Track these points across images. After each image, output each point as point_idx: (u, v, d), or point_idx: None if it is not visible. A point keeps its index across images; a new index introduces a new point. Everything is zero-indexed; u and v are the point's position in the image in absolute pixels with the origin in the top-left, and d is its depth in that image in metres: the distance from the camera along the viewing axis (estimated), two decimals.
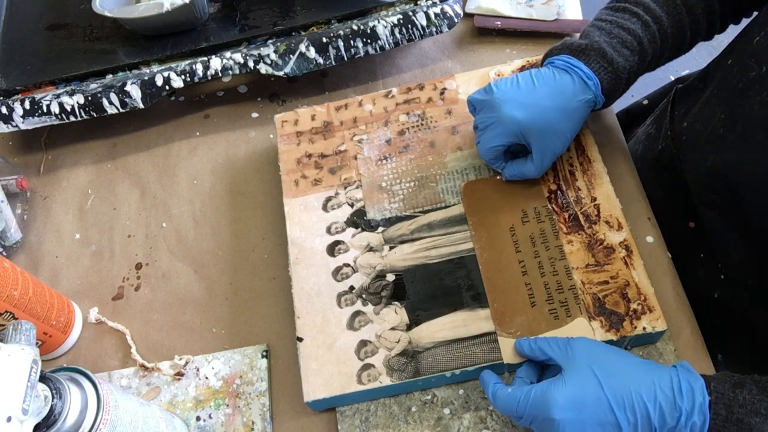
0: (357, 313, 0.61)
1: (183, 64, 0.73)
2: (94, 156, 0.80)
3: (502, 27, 0.79)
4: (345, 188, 0.67)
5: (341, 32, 0.72)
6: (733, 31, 0.65)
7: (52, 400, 0.44)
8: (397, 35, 0.73)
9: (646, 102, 0.85)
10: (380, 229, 0.65)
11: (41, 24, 0.81)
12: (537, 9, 0.78)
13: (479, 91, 0.63)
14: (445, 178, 0.66)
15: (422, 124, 0.70)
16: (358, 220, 0.65)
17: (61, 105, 0.73)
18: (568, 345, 0.53)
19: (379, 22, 0.72)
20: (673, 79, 0.83)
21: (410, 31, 0.73)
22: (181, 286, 0.70)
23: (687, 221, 0.66)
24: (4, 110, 0.73)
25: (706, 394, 0.47)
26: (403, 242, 0.64)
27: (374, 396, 0.59)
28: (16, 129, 0.74)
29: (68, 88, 0.74)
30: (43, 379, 0.45)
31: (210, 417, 0.62)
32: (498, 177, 0.65)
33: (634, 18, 0.61)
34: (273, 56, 0.73)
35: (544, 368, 0.56)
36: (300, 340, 0.60)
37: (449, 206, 0.65)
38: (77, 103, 0.73)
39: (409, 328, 0.59)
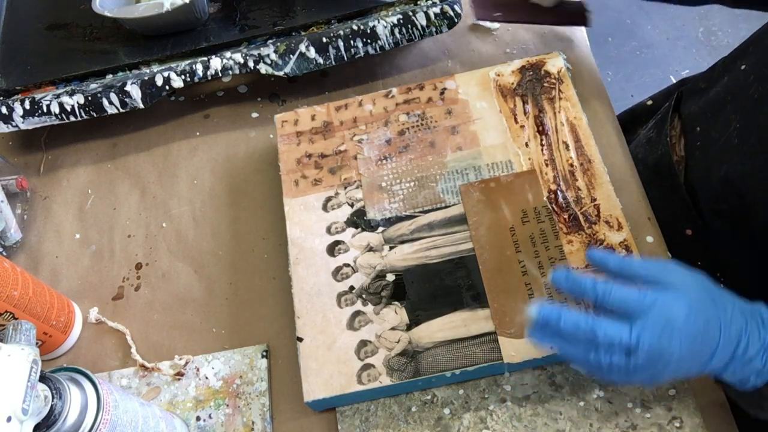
0: (357, 313, 0.61)
1: (183, 64, 0.73)
2: (94, 156, 0.80)
3: (502, 19, 0.77)
4: (345, 188, 0.67)
5: (341, 32, 0.72)
6: (734, 32, 0.64)
7: (52, 400, 0.44)
8: (397, 35, 0.73)
9: (650, 102, 0.83)
10: (380, 229, 0.65)
11: (41, 24, 0.81)
12: None
13: None
14: (445, 178, 0.66)
15: (422, 124, 0.70)
16: (358, 220, 0.65)
17: (61, 105, 0.73)
18: (666, 267, 0.47)
19: (379, 22, 0.72)
20: (673, 80, 0.83)
21: (410, 31, 0.73)
22: (181, 286, 0.70)
23: (684, 228, 0.64)
24: (4, 110, 0.73)
25: None
26: (403, 242, 0.64)
27: (374, 396, 0.59)
28: (16, 129, 0.74)
29: (68, 88, 0.74)
30: (43, 379, 0.45)
31: (210, 417, 0.62)
32: (496, 177, 0.65)
33: None
34: (273, 56, 0.73)
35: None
36: (300, 340, 0.60)
37: (449, 206, 0.65)
38: (77, 103, 0.73)
39: (409, 328, 0.59)
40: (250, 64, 0.73)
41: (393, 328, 0.60)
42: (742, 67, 0.59)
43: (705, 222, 0.64)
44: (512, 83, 0.70)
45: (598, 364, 0.45)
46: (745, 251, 0.60)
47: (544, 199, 0.63)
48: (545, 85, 0.70)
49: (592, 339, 0.45)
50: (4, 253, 0.73)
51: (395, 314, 0.60)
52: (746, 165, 0.56)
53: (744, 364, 0.46)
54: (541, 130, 0.67)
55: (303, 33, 0.74)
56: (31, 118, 0.73)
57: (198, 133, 0.79)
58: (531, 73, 0.71)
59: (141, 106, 0.73)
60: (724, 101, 0.61)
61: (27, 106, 0.73)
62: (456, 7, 0.74)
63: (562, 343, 0.47)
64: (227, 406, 0.62)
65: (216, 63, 0.73)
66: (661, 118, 0.73)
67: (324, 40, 0.72)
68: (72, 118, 0.74)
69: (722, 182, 0.59)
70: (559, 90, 0.69)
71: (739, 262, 0.61)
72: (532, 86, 0.70)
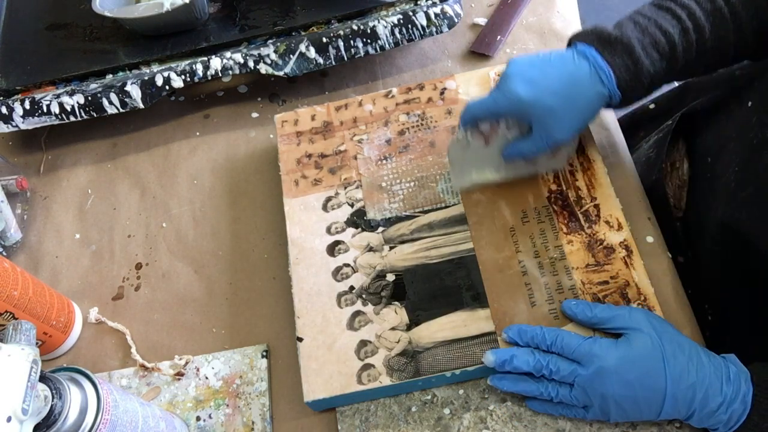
0: (357, 313, 0.61)
1: (183, 64, 0.73)
2: (94, 156, 0.80)
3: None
4: (345, 188, 0.67)
5: (341, 32, 0.72)
6: None
7: (52, 400, 0.44)
8: (397, 35, 0.73)
9: (652, 106, 0.82)
10: (380, 229, 0.65)
11: (41, 24, 0.81)
12: None
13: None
14: (445, 178, 0.66)
15: (422, 124, 0.70)
16: (358, 220, 0.65)
17: (61, 105, 0.73)
18: (631, 313, 0.53)
19: (379, 22, 0.72)
20: (675, 83, 0.81)
21: (410, 31, 0.73)
22: (181, 286, 0.70)
23: (675, 256, 0.64)
24: (4, 110, 0.73)
25: (751, 385, 0.48)
26: (403, 242, 0.64)
27: (374, 396, 0.59)
28: (16, 129, 0.74)
29: (68, 88, 0.74)
30: (43, 379, 0.45)
31: (210, 417, 0.62)
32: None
33: (675, 21, 0.56)
34: (273, 56, 0.73)
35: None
36: (300, 340, 0.60)
37: (449, 206, 0.65)
38: (77, 103, 0.73)
39: (409, 328, 0.59)
40: (250, 64, 0.73)
41: (393, 328, 0.60)
42: (749, 104, 0.58)
43: (696, 254, 0.64)
44: None
45: (549, 396, 0.53)
46: (735, 289, 0.60)
47: (544, 199, 0.63)
48: None
49: (540, 373, 0.53)
50: (4, 253, 0.73)
51: (395, 314, 0.60)
52: (743, 212, 0.55)
53: (708, 416, 0.49)
54: None
55: (303, 33, 0.74)
56: (31, 118, 0.73)
57: (198, 133, 0.79)
58: None
59: (141, 106, 0.73)
60: (728, 138, 0.60)
61: (27, 106, 0.73)
62: (456, 7, 0.74)
63: (518, 382, 0.55)
64: (227, 406, 0.62)
65: (216, 63, 0.73)
66: (662, 139, 0.71)
67: (324, 40, 0.72)
68: (72, 118, 0.74)
69: (719, 225, 0.58)
70: None
71: (728, 298, 0.61)
72: None
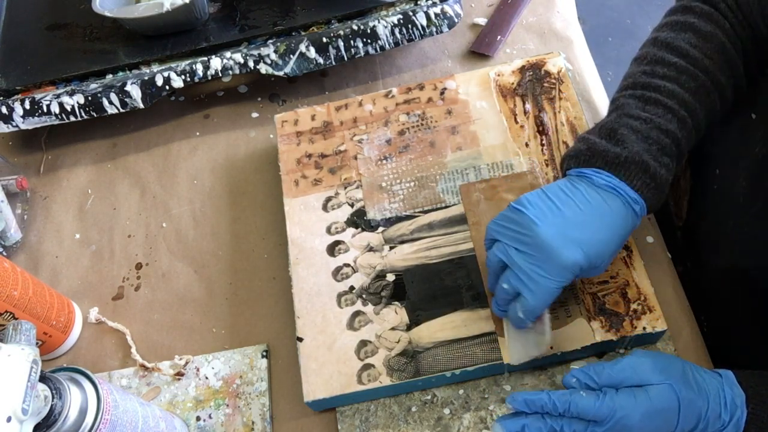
0: (357, 313, 0.61)
1: (183, 64, 0.73)
2: (94, 156, 0.80)
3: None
4: (345, 188, 0.67)
5: (341, 32, 0.72)
6: None
7: (52, 400, 0.44)
8: (397, 35, 0.73)
9: None
10: (380, 229, 0.65)
11: (41, 24, 0.81)
12: None
13: (502, 217, 0.53)
14: (445, 178, 0.66)
15: (422, 124, 0.70)
16: (358, 220, 0.65)
17: (61, 105, 0.73)
18: (635, 367, 0.50)
19: (379, 22, 0.72)
20: None
21: (410, 31, 0.73)
22: (181, 286, 0.70)
23: (676, 265, 0.63)
24: (4, 110, 0.73)
25: (745, 409, 0.48)
26: (403, 242, 0.64)
27: (374, 396, 0.59)
28: (16, 129, 0.74)
29: (68, 88, 0.74)
30: (43, 379, 0.45)
31: (210, 417, 0.62)
32: (497, 177, 0.65)
33: (670, 114, 0.53)
34: (273, 56, 0.73)
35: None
36: (300, 340, 0.60)
37: (449, 206, 0.65)
38: (77, 103, 0.73)
39: (409, 328, 0.59)
40: (250, 64, 0.73)
41: (393, 328, 0.60)
42: (753, 116, 0.57)
43: (696, 265, 0.64)
44: (512, 83, 0.70)
45: None
46: (736, 302, 0.59)
47: None
48: (545, 85, 0.70)
49: None
50: (4, 253, 0.73)
51: (395, 314, 0.60)
52: (755, 226, 0.54)
53: None
54: (541, 130, 0.67)
55: (303, 33, 0.74)
56: (31, 118, 0.73)
57: (198, 133, 0.79)
58: (531, 73, 0.71)
59: (141, 106, 0.73)
60: (735, 150, 0.59)
61: (27, 106, 0.73)
62: (456, 7, 0.74)
63: None
64: (227, 406, 0.62)
65: (216, 63, 0.73)
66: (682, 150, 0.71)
67: (324, 40, 0.72)
68: (72, 118, 0.74)
69: (728, 238, 0.57)
70: (559, 90, 0.69)
71: (727, 310, 0.61)
72: (532, 86, 0.70)
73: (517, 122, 0.68)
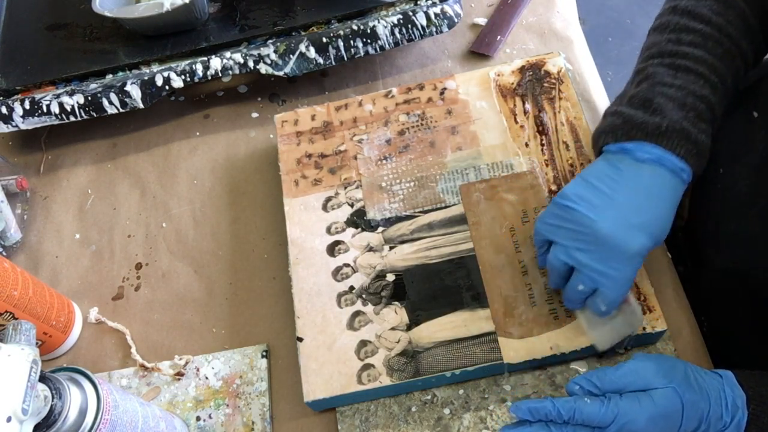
0: (357, 313, 0.61)
1: (183, 64, 0.73)
2: (94, 156, 0.80)
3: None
4: (345, 188, 0.67)
5: (341, 32, 0.72)
6: None
7: (52, 400, 0.44)
8: (397, 35, 0.73)
9: None
10: (380, 229, 0.65)
11: (41, 24, 0.81)
12: None
13: (551, 215, 0.52)
14: (445, 178, 0.66)
15: (422, 124, 0.70)
16: (358, 220, 0.65)
17: (61, 105, 0.73)
18: (638, 371, 0.49)
19: (379, 22, 0.72)
20: None
21: (410, 31, 0.73)
22: (181, 286, 0.70)
23: (675, 265, 0.63)
24: (4, 110, 0.73)
25: (746, 410, 0.48)
26: (403, 242, 0.64)
27: (374, 396, 0.59)
28: (16, 129, 0.74)
29: (68, 88, 0.74)
30: (43, 379, 0.45)
31: (210, 417, 0.62)
32: (497, 177, 0.65)
33: (702, 80, 0.53)
34: (273, 56, 0.73)
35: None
36: (300, 340, 0.60)
37: (449, 206, 0.65)
38: (77, 103, 0.73)
39: (409, 328, 0.59)
40: (250, 64, 0.73)
41: (393, 328, 0.60)
42: (755, 114, 0.57)
43: (697, 265, 0.64)
44: (512, 83, 0.70)
45: None
46: (737, 302, 0.59)
47: (544, 199, 0.63)
48: (545, 85, 0.70)
49: None
50: (4, 253, 0.73)
51: (395, 314, 0.60)
52: (756, 226, 0.54)
53: None
54: (541, 130, 0.67)
55: (303, 33, 0.74)
56: (31, 118, 0.73)
57: (198, 133, 0.79)
58: (531, 73, 0.71)
59: (141, 106, 0.73)
60: (738, 149, 0.59)
61: (27, 106, 0.73)
62: (456, 7, 0.74)
63: None
64: (227, 406, 0.62)
65: (216, 63, 0.73)
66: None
67: (324, 40, 0.72)
68: (72, 118, 0.74)
69: (730, 237, 0.57)
70: (559, 90, 0.69)
71: (728, 310, 0.61)
72: (532, 86, 0.70)
73: (517, 122, 0.68)
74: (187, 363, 0.64)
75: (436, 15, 0.73)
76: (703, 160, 0.53)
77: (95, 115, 0.74)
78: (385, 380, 0.57)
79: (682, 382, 0.49)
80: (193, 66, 0.73)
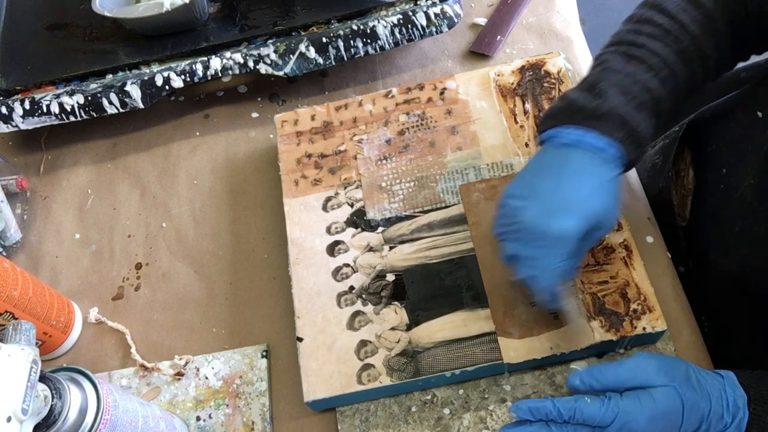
0: (357, 313, 0.61)
1: (183, 64, 0.73)
2: (94, 156, 0.80)
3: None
4: (345, 188, 0.67)
5: (341, 32, 0.72)
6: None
7: (52, 400, 0.44)
8: (397, 35, 0.73)
9: None
10: (380, 229, 0.65)
11: (41, 24, 0.81)
12: None
13: (496, 217, 0.53)
14: (445, 178, 0.66)
15: (422, 124, 0.70)
16: (358, 220, 0.65)
17: (61, 105, 0.73)
18: (637, 369, 0.50)
19: (379, 22, 0.72)
20: None
21: (410, 31, 0.73)
22: (181, 286, 0.70)
23: (676, 265, 0.63)
24: (4, 110, 0.73)
25: (747, 411, 0.48)
26: (403, 242, 0.64)
27: (374, 396, 0.59)
28: (16, 129, 0.74)
29: (68, 88, 0.74)
30: (43, 379, 0.45)
31: (210, 417, 0.62)
32: (497, 177, 0.65)
33: (652, 73, 0.53)
34: (273, 56, 0.73)
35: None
36: (300, 340, 0.60)
37: (449, 206, 0.65)
38: (77, 103, 0.73)
39: (409, 328, 0.59)
40: (250, 64, 0.73)
41: (393, 328, 0.60)
42: (759, 114, 0.57)
43: (699, 265, 0.63)
44: (512, 83, 0.70)
45: None
46: (739, 303, 0.59)
47: None
48: (545, 85, 0.70)
49: None
50: (4, 253, 0.73)
51: (395, 314, 0.60)
52: (762, 227, 0.54)
53: None
54: None
55: (303, 33, 0.74)
56: (31, 118, 0.73)
57: (198, 133, 0.79)
58: (531, 73, 0.71)
59: (141, 106, 0.73)
60: (743, 149, 0.58)
61: (27, 106, 0.73)
62: (456, 7, 0.74)
63: None
64: (227, 406, 0.62)
65: (216, 63, 0.73)
66: (669, 144, 0.69)
67: (324, 40, 0.72)
68: (72, 118, 0.74)
69: (735, 238, 0.57)
70: (559, 90, 0.69)
71: (731, 314, 0.61)
72: (532, 86, 0.70)
73: (517, 122, 0.68)
74: (187, 363, 0.64)
75: (436, 15, 0.73)
76: (639, 148, 0.52)
77: (95, 115, 0.74)
78: (385, 380, 0.57)
79: (683, 382, 0.49)
80: (193, 66, 0.73)
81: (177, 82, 0.73)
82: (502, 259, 0.54)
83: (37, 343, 0.46)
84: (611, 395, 0.49)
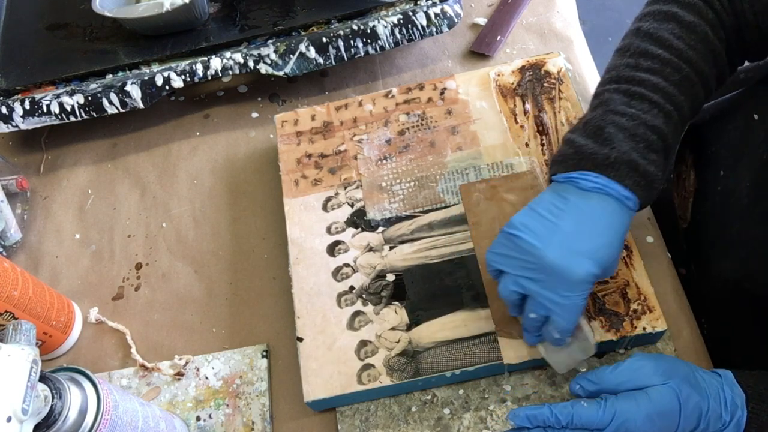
0: (357, 313, 0.61)
1: (183, 64, 0.73)
2: (94, 156, 0.80)
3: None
4: (345, 188, 0.67)
5: (341, 32, 0.72)
6: None
7: (52, 400, 0.44)
8: (397, 35, 0.73)
9: None
10: (380, 229, 0.65)
11: (41, 24, 0.81)
12: None
13: (499, 245, 0.52)
14: (445, 178, 0.66)
15: (422, 124, 0.70)
16: (358, 220, 0.65)
17: (61, 105, 0.73)
18: (634, 368, 0.50)
19: (379, 22, 0.72)
20: None
21: (410, 31, 0.73)
22: (181, 286, 0.70)
23: (677, 267, 0.63)
24: (4, 110, 0.73)
25: (745, 409, 0.48)
26: (403, 242, 0.64)
27: (374, 396, 0.59)
28: (16, 129, 0.74)
29: (68, 88, 0.74)
30: (43, 379, 0.45)
31: (210, 417, 0.62)
32: (497, 177, 0.65)
33: (655, 109, 0.52)
34: (273, 56, 0.73)
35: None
36: (300, 340, 0.60)
37: (449, 206, 0.65)
38: (77, 103, 0.73)
39: (409, 328, 0.59)
40: (250, 64, 0.73)
41: (393, 328, 0.60)
42: (755, 117, 0.56)
43: (699, 267, 0.63)
44: (512, 83, 0.70)
45: None
46: (739, 305, 0.59)
47: None
48: (545, 85, 0.70)
49: None
50: (4, 253, 0.73)
51: (395, 314, 0.60)
52: (758, 229, 0.54)
53: None
54: (541, 130, 0.67)
55: (303, 33, 0.74)
56: (31, 118, 0.73)
57: (198, 133, 0.79)
58: (531, 73, 0.71)
59: (141, 106, 0.73)
60: (740, 151, 0.58)
61: (27, 106, 0.73)
62: (456, 7, 0.74)
63: None
64: (227, 406, 0.62)
65: (216, 63, 0.73)
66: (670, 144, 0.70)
67: (324, 40, 0.72)
68: (72, 118, 0.74)
69: (733, 240, 0.57)
70: (559, 90, 0.69)
71: (731, 316, 0.61)
72: (532, 86, 0.70)
73: (517, 122, 0.68)
74: (187, 363, 0.64)
75: (436, 15, 0.73)
76: (652, 191, 0.52)
77: (95, 115, 0.74)
78: (385, 380, 0.57)
79: (680, 381, 0.49)
80: (193, 66, 0.73)
81: (177, 82, 0.73)
82: (501, 294, 0.53)
83: (37, 343, 0.46)
84: (607, 396, 0.49)
